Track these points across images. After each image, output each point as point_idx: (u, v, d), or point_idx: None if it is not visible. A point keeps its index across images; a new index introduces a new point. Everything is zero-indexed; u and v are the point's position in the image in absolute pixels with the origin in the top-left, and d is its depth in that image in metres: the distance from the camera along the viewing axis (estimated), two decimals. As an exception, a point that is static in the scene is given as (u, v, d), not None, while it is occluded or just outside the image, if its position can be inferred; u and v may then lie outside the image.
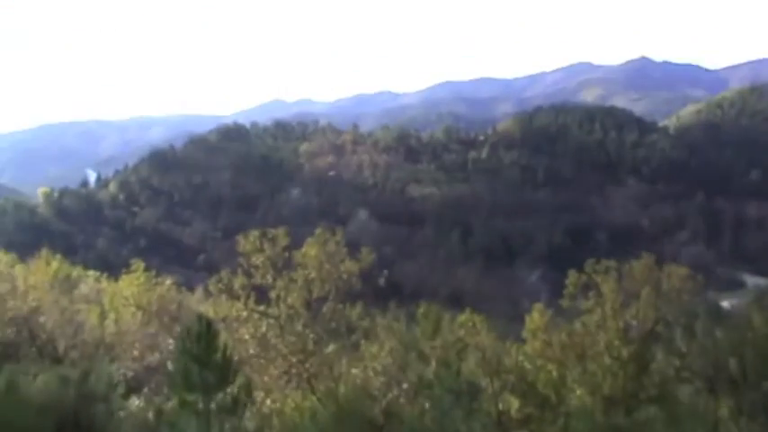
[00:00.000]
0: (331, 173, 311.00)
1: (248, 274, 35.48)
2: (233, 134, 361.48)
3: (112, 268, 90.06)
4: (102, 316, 45.96)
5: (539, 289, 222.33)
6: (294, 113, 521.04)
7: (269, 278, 35.38)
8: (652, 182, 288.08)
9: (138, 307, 44.89)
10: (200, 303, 52.94)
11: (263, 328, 35.58)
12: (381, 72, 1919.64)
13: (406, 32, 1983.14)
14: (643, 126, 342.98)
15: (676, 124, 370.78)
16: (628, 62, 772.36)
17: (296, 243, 36.67)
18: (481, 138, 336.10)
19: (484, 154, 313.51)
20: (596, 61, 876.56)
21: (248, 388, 24.39)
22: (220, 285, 35.76)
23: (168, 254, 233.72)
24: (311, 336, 33.99)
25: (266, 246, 35.59)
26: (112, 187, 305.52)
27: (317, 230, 36.90)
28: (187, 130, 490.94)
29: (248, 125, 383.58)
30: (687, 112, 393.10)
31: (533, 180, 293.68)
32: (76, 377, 24.86)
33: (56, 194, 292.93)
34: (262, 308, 35.92)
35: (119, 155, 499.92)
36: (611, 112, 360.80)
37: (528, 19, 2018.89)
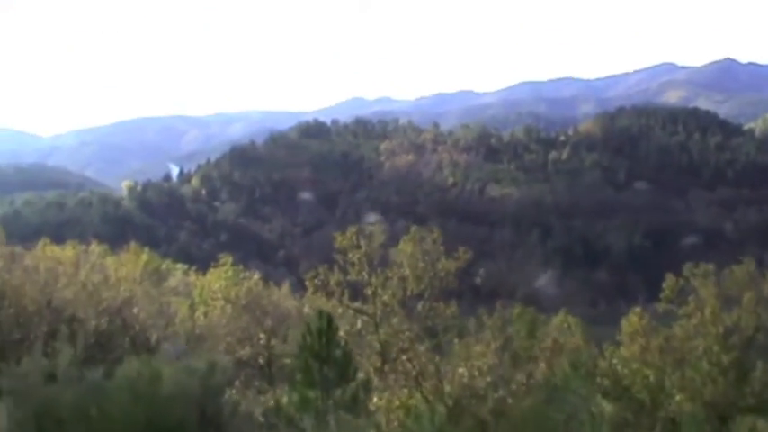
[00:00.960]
0: (410, 171, 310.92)
1: (344, 271, 35.67)
2: (313, 131, 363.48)
3: (194, 261, 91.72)
4: (192, 308, 46.61)
5: (618, 291, 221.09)
6: (374, 111, 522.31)
7: (364, 275, 35.52)
8: (737, 186, 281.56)
9: (227, 300, 45.35)
10: (286, 298, 53.30)
11: (359, 325, 35.77)
12: (462, 71, 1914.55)
13: (487, 31, 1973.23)
14: (727, 129, 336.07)
15: (762, 127, 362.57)
16: (712, 63, 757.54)
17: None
18: (562, 138, 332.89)
19: (564, 154, 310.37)
20: (680, 62, 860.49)
21: (367, 385, 24.48)
22: (317, 281, 35.96)
23: (248, 249, 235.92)
24: (407, 333, 33.97)
25: (362, 242, 35.74)
26: (194, 182, 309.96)
27: (412, 228, 36.97)
28: (268, 126, 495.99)
29: (329, 122, 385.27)
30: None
31: (614, 181, 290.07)
32: (202, 369, 25.13)
33: (139, 188, 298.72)
34: (357, 304, 36.12)
35: (200, 150, 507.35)
36: (695, 114, 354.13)
37: (610, 18, 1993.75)
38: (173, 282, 55.99)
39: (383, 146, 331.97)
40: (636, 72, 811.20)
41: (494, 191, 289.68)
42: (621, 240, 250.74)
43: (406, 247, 35.86)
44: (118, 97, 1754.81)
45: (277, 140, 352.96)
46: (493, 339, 32.42)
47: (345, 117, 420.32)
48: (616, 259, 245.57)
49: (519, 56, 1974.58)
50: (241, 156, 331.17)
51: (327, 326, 23.25)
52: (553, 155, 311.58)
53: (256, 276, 48.81)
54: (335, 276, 35.51)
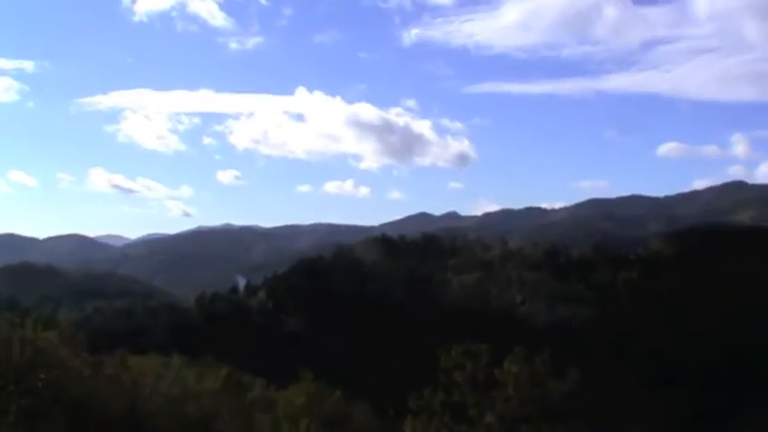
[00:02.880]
0: (478, 289, 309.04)
1: (447, 391, 34.60)
2: (380, 245, 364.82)
3: (260, 375, 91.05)
4: (277, 424, 45.58)
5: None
6: (441, 227, 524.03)
7: (468, 396, 34.42)
8: None
9: (310, 417, 44.31)
10: (366, 416, 52.09)
11: None
12: (528, 187, 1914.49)
13: (551, 146, 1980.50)
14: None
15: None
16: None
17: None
18: (632, 257, 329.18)
19: (635, 274, 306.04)
20: (751, 180, 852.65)
21: None
22: (420, 402, 34.89)
23: (313, 363, 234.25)
24: None
25: (467, 362, 34.72)
26: (261, 294, 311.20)
27: (516, 349, 35.89)
28: (334, 240, 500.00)
29: (395, 237, 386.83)
30: None
31: (690, 301, 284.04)
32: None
33: (207, 298, 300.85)
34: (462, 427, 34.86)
35: (267, 262, 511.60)
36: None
37: (680, 135, 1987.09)
38: (252, 396, 55.16)
39: (451, 262, 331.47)
40: (706, 190, 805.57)
41: (563, 310, 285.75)
42: (701, 360, 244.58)
43: (511, 366, 34.69)
44: (187, 207, 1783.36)
45: (344, 253, 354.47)
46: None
47: (412, 232, 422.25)
48: (695, 379, 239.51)
49: (584, 172, 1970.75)
50: (308, 268, 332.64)
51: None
52: (623, 274, 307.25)
53: (338, 393, 47.88)
54: (439, 396, 34.42)
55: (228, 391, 47.37)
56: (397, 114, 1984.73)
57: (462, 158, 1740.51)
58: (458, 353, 34.73)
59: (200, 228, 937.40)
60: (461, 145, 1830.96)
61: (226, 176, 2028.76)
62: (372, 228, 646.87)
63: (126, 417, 36.61)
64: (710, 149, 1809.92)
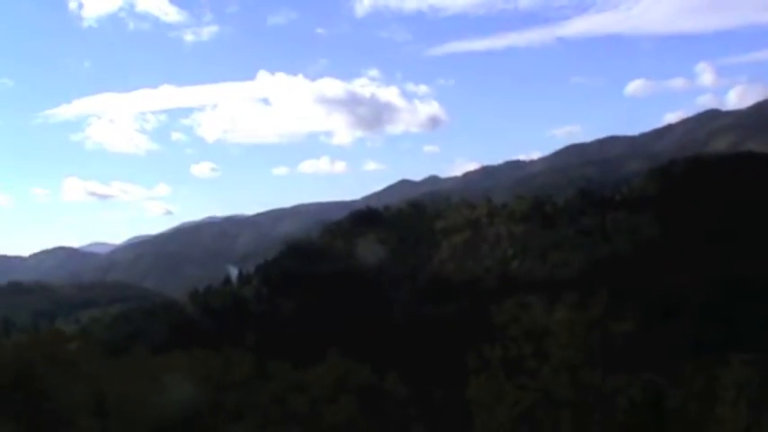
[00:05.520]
0: (469, 247, 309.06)
1: (504, 347, 34.41)
2: (367, 218, 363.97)
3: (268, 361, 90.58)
4: (313, 403, 45.41)
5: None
6: (423, 192, 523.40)
7: (527, 348, 34.19)
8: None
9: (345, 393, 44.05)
10: (396, 385, 51.83)
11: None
12: (504, 141, 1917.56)
13: (521, 98, 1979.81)
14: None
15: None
16: (755, 104, 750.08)
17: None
18: (617, 198, 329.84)
19: (623, 214, 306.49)
20: (723, 107, 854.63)
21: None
22: (479, 360, 34.67)
23: (318, 343, 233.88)
24: None
25: (521, 314, 34.51)
26: (255, 282, 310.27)
27: (565, 295, 35.73)
28: (319, 218, 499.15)
29: (380, 208, 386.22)
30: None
31: (679, 234, 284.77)
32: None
33: (201, 294, 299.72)
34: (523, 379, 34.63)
35: (255, 250, 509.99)
36: (751, 157, 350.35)
37: (651, 71, 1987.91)
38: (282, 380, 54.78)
39: (439, 225, 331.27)
40: (680, 123, 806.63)
41: (555, 257, 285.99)
42: (695, 294, 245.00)
43: (563, 315, 34.37)
44: (167, 205, 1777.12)
45: (333, 231, 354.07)
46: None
47: (395, 201, 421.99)
48: (692, 312, 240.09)
49: (560, 119, 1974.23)
50: (298, 250, 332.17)
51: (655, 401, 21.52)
52: (611, 215, 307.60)
53: (367, 367, 47.61)
54: (496, 351, 34.17)
55: (259, 377, 46.94)
56: (362, 85, 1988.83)
57: (434, 121, 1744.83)
58: (510, 307, 34.52)
59: (183, 224, 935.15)
60: (431, 108, 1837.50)
61: (201, 169, 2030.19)
62: (355, 202, 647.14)
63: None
64: (678, 82, 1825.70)
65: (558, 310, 34.65)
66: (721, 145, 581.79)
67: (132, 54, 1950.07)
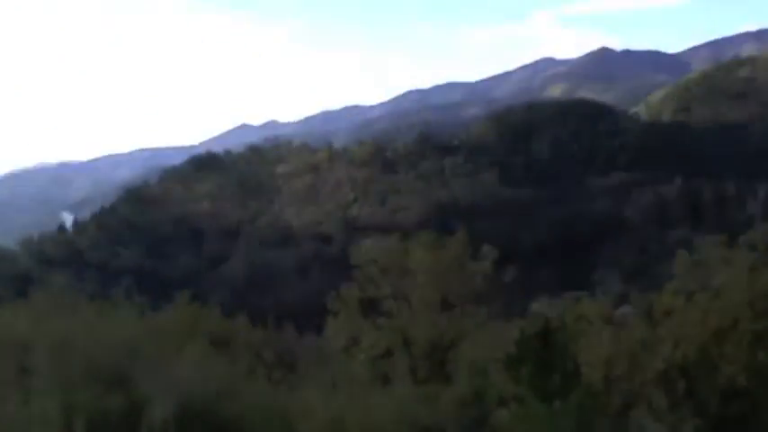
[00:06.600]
0: (310, 192, 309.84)
1: (362, 287, 34.84)
2: (206, 163, 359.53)
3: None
4: (164, 350, 44.81)
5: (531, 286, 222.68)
6: (263, 137, 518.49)
7: (385, 289, 34.73)
8: (630, 170, 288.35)
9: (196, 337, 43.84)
10: (249, 329, 51.67)
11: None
12: (345, 86, 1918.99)
13: (366, 43, 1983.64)
14: (614, 115, 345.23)
15: (646, 111, 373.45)
16: (589, 54, 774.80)
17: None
18: (455, 143, 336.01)
19: (461, 158, 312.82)
20: (558, 56, 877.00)
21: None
22: (337, 302, 35.03)
23: (156, 290, 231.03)
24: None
25: (379, 255, 34.98)
26: (91, 229, 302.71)
27: (424, 235, 36.53)
28: (158, 164, 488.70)
29: (220, 153, 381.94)
30: (656, 97, 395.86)
31: (513, 179, 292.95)
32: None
33: (34, 242, 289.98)
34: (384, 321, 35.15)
35: (91, 196, 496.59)
36: (582, 104, 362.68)
37: (486, 19, 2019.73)
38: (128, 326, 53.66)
39: (279, 170, 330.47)
40: (517, 70, 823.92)
41: (396, 201, 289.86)
42: (527, 237, 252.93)
43: (424, 254, 35.11)
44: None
45: (171, 176, 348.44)
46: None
47: (235, 145, 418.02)
48: (524, 256, 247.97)
49: (401, 65, 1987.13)
50: (136, 196, 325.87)
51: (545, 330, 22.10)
52: (449, 160, 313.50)
53: (217, 311, 47.54)
54: (355, 293, 34.61)
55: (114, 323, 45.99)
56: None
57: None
58: (368, 247, 35.07)
59: (11, 172, 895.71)
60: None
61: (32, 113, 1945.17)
62: (194, 147, 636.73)
63: None
64: (516, 30, 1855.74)
65: (416, 249, 35.39)
66: (556, 92, 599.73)
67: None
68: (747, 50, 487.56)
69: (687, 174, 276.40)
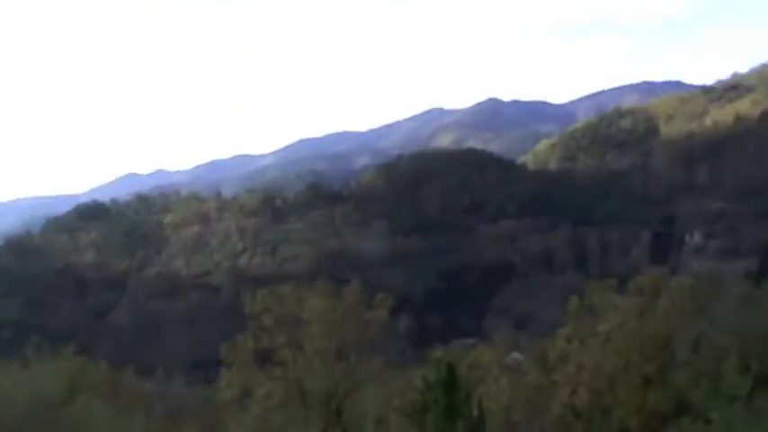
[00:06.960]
0: (198, 242, 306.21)
1: (256, 337, 33.83)
2: (92, 213, 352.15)
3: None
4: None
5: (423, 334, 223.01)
6: (151, 186, 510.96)
7: (280, 338, 33.77)
8: (518, 217, 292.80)
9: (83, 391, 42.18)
10: (135, 381, 50.14)
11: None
12: (234, 135, 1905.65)
13: (255, 92, 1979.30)
14: (502, 165, 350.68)
15: (533, 160, 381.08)
16: (478, 104, 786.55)
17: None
18: (346, 192, 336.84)
19: (351, 207, 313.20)
20: (447, 106, 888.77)
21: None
22: (232, 354, 33.84)
23: (38, 343, 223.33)
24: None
25: (274, 304, 34.04)
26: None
27: (318, 284, 35.82)
28: (42, 213, 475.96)
29: (107, 202, 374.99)
30: (542, 146, 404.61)
31: (402, 229, 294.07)
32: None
33: None
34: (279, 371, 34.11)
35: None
36: (471, 154, 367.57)
37: (376, 69, 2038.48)
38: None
39: (167, 219, 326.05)
40: (407, 120, 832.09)
41: (286, 251, 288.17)
42: (417, 285, 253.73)
43: (317, 304, 34.31)
44: None
45: (55, 227, 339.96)
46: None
47: (122, 194, 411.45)
48: (414, 304, 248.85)
49: (290, 114, 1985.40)
50: (17, 247, 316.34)
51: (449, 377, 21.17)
52: (339, 209, 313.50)
53: (104, 363, 45.93)
54: (250, 343, 33.54)
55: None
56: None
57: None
58: (264, 296, 34.11)
59: None
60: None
61: None
62: (80, 196, 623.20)
63: None
64: (407, 79, 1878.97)
65: (311, 299, 34.69)
66: (445, 141, 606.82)
67: None
68: (629, 102, 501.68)
69: (573, 221, 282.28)
